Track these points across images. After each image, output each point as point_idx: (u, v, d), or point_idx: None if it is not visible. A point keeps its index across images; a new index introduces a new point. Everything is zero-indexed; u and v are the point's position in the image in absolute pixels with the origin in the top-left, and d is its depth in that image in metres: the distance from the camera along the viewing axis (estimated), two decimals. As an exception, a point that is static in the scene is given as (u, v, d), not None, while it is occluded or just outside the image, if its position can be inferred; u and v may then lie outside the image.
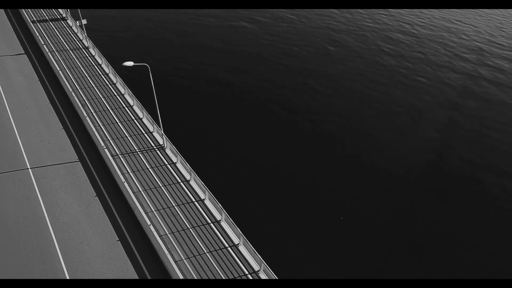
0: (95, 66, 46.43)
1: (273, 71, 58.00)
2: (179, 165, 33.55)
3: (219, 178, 38.15)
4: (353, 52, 65.08)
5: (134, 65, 30.05)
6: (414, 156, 43.93)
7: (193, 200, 30.54)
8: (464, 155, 44.63)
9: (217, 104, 49.29)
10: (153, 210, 29.55)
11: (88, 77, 44.26)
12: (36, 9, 58.82)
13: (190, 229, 28.36)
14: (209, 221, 28.99)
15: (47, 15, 57.55)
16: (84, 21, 49.11)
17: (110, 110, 39.48)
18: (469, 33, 74.80)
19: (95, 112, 39.10)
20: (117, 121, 38.16)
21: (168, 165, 33.53)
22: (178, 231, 28.22)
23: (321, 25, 73.42)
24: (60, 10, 59.03)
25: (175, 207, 29.94)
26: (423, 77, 59.29)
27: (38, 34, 51.72)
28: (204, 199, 30.60)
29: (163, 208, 29.73)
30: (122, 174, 32.32)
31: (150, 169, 33.08)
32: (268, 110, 48.96)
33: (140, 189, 31.10)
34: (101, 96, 41.36)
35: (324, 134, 46.03)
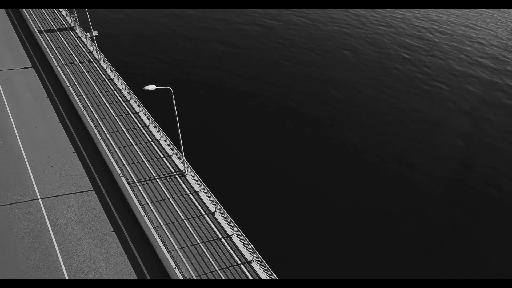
0: (107, 81, 43.78)
1: (290, 76, 56.08)
2: (202, 195, 30.81)
3: (246, 209, 35.45)
4: (368, 56, 62.91)
5: (156, 88, 27.43)
6: (434, 162, 42.36)
7: (220, 236, 27.81)
8: (487, 163, 42.94)
9: (239, 120, 46.56)
10: (176, 248, 26.83)
11: (100, 93, 41.60)
12: (43, 19, 56.20)
13: (218, 271, 25.63)
14: (239, 262, 26.25)
15: (54, 25, 54.95)
16: (95, 33, 46.48)
17: (125, 131, 36.80)
18: (488, 38, 72.06)
19: (109, 133, 36.42)
20: (133, 143, 35.47)
21: (190, 195, 30.81)
22: (205, 273, 25.48)
23: (335, 29, 71.03)
24: (68, 19, 56.41)
25: (200, 244, 27.22)
26: (442, 83, 57.12)
27: (46, 46, 49.06)
28: (231, 235, 27.86)
29: (187, 246, 27.01)
30: (141, 205, 29.60)
31: (170, 199, 30.37)
32: (292, 122, 46.99)
33: (161, 223, 28.38)
34: (114, 115, 38.69)
35: (340, 140, 44.68)
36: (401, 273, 31.35)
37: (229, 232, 28.07)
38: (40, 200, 30.12)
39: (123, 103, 40.52)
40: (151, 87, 26.73)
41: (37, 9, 58.58)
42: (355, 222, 35.27)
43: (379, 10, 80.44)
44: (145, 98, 44.40)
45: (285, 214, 35.77)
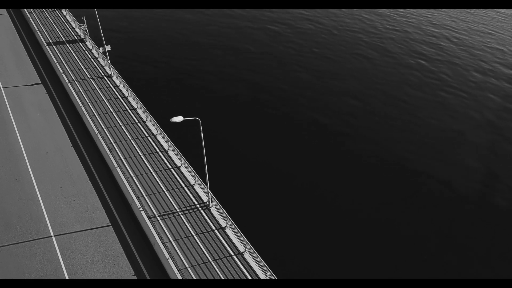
0: (121, 99, 41.33)
1: (302, 81, 54.72)
2: (229, 231, 28.31)
3: (247, 209, 34.14)
4: (382, 61, 61.02)
5: (184, 120, 25.09)
6: (437, 163, 41.97)
7: (249, 277, 25.30)
8: (491, 166, 42.29)
9: (254, 131, 44.40)
10: (204, 295, 24.31)
11: (113, 113, 39.17)
12: (51, 30, 53.82)
13: (252, 323, 23.12)
14: (274, 312, 23.72)
15: (63, 36, 52.54)
16: (108, 47, 44.03)
17: (142, 156, 34.34)
18: (507, 43, 69.52)
19: (125, 158, 33.97)
20: (151, 170, 33.00)
21: (216, 231, 28.31)
22: (238, 326, 22.98)
23: (349, 34, 69.42)
24: (77, 30, 54.02)
25: (231, 290, 24.69)
26: (461, 90, 55.21)
27: (55, 60, 46.66)
28: (264, 279, 25.34)
29: (217, 293, 24.48)
30: (163, 243, 27.14)
31: (195, 236, 27.88)
32: (311, 129, 45.20)
33: (187, 266, 25.89)
34: (130, 138, 36.24)
35: (347, 143, 44.04)
36: (401, 273, 31.28)
37: (261, 275, 25.56)
38: (53, 238, 27.68)
39: (138, 124, 38.07)
40: (178, 118, 24.24)
41: (45, 20, 56.28)
42: (355, 222, 35.09)
43: (393, 15, 78.29)
44: (161, 118, 42.05)
45: (286, 214, 35.48)
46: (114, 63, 54.75)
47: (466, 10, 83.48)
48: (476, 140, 45.72)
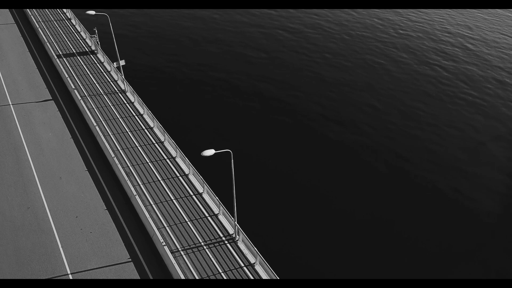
0: (136, 117, 39.34)
1: (318, 83, 54.03)
2: (258, 268, 26.26)
3: (248, 209, 33.61)
4: (399, 63, 59.78)
5: (215, 153, 23.41)
6: (440, 164, 41.70)
7: (287, 327, 23.23)
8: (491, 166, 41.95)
9: (267, 135, 42.32)
10: None
11: (129, 133, 37.18)
12: (61, 40, 51.88)
13: None
14: None
15: (74, 48, 50.58)
16: (122, 62, 42.07)
17: (161, 181, 32.31)
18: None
19: (143, 184, 31.96)
20: (172, 197, 30.96)
21: (245, 268, 26.27)
22: None
23: (364, 35, 68.02)
24: (88, 42, 52.07)
25: (265, 338, 22.66)
26: (480, 92, 54.01)
27: (66, 75, 44.68)
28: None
29: None
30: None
31: (222, 273, 25.84)
32: (334, 134, 43.01)
33: (216, 309, 23.82)
34: (147, 161, 34.22)
35: (371, 150, 43.33)
36: (401, 273, 31.26)
37: (298, 321, 23.49)
38: (70, 275, 25.65)
39: (156, 145, 36.06)
40: (210, 152, 22.20)
41: (54, 30, 54.38)
42: (355, 222, 35.12)
43: (410, 15, 76.64)
44: (177, 135, 40.12)
45: (289, 214, 35.48)
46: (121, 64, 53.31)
47: (480, 15, 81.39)
48: (482, 145, 44.96)
